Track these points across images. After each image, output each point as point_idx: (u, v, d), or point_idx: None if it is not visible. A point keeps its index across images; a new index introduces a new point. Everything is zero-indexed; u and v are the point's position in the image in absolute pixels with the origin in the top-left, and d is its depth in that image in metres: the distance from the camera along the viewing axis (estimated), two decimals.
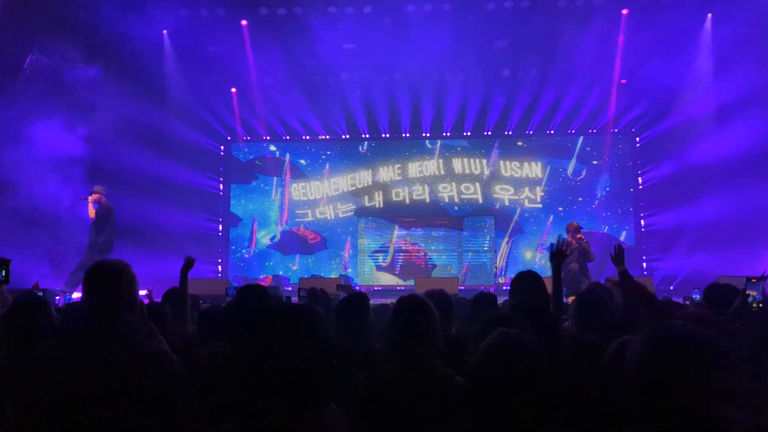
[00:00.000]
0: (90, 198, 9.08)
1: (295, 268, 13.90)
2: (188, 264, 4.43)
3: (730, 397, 1.44)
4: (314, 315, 1.56)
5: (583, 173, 13.49)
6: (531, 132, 13.58)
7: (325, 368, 1.52)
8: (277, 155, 14.31)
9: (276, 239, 14.04)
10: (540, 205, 13.50)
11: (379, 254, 13.55)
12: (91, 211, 9.05)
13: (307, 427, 1.47)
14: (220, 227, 14.22)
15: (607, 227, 13.36)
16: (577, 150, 13.57)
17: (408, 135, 13.91)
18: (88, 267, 2.12)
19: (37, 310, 2.79)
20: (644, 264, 13.11)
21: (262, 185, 14.26)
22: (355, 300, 3.44)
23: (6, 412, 2.08)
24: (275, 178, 14.22)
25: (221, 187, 14.37)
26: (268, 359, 1.47)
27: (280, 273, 13.86)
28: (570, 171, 13.53)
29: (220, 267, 13.99)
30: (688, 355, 1.45)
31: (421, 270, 13.27)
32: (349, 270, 13.68)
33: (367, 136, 13.98)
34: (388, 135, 13.94)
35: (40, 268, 9.04)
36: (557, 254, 3.73)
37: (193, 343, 3.25)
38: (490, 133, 13.72)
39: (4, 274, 2.40)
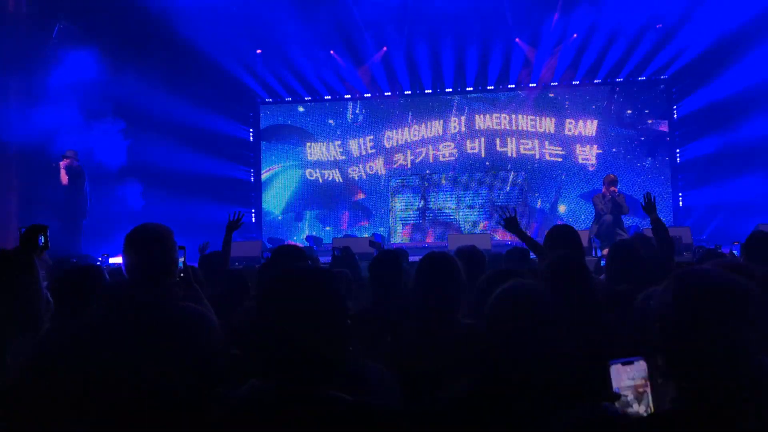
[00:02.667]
0: (61, 163, 8.92)
1: (328, 229, 14.02)
2: (233, 225, 4.36)
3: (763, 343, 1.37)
4: (327, 277, 1.58)
5: (615, 122, 13.15)
6: (568, 83, 13.24)
7: (340, 330, 1.55)
8: (305, 116, 14.28)
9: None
10: (572, 159, 13.25)
11: (410, 212, 13.55)
12: (64, 177, 8.89)
13: (325, 385, 1.51)
14: (253, 180, 14.35)
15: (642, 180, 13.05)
16: (605, 99, 13.20)
17: (448, 90, 13.68)
18: (130, 232, 2.16)
19: (94, 276, 2.83)
20: (680, 201, 12.85)
21: (293, 146, 14.29)
22: (386, 257, 3.41)
23: (55, 378, 2.15)
24: (305, 134, 14.22)
25: (251, 140, 14.47)
26: (285, 321, 1.51)
27: (314, 233, 13.99)
28: (596, 120, 13.19)
29: (254, 222, 14.21)
30: (715, 298, 1.37)
31: (453, 227, 13.25)
32: (381, 229, 13.73)
33: (399, 92, 13.82)
34: (419, 91, 13.76)
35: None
36: (648, 207, 4.04)
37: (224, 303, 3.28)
38: (513, 86, 13.43)
39: (43, 240, 2.44)
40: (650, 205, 4.03)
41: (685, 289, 1.42)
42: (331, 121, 14.19)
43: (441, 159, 13.67)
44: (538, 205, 13.31)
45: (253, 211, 14.32)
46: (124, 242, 2.11)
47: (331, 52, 12.94)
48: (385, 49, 12.98)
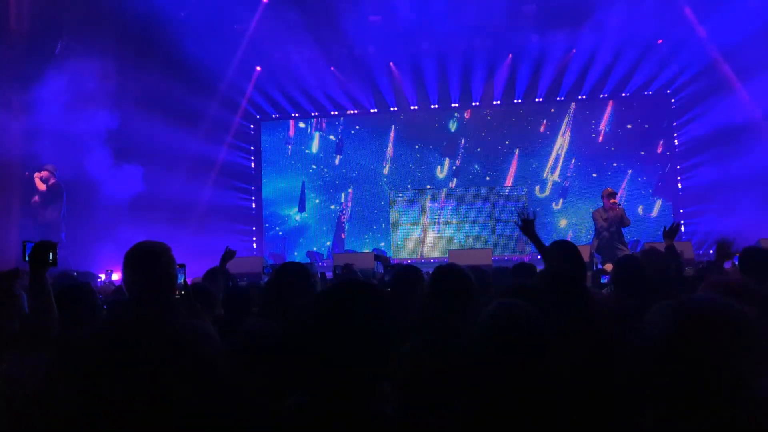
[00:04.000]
0: (38, 174, 8.77)
1: (329, 244, 14.01)
2: (228, 254, 4.49)
3: (759, 369, 1.37)
4: (384, 294, 1.58)
5: (617, 138, 13.21)
6: (562, 98, 13.31)
7: (390, 347, 1.56)
8: (307, 131, 14.33)
9: (306, 217, 14.15)
10: (573, 173, 13.30)
11: (411, 227, 13.53)
12: (41, 185, 8.73)
13: (368, 399, 1.51)
14: (254, 204, 14.37)
15: (642, 207, 13.08)
16: (608, 115, 13.26)
17: (457, 106, 13.75)
18: (130, 249, 2.14)
19: (82, 295, 2.83)
20: (682, 228, 12.85)
21: (293, 162, 14.32)
22: (410, 272, 3.39)
23: (56, 391, 2.14)
24: (305, 151, 14.25)
25: (252, 165, 14.48)
26: (340, 335, 1.51)
27: (314, 249, 13.97)
28: (602, 137, 13.24)
29: (254, 245, 14.18)
30: (710, 329, 1.37)
31: (454, 242, 13.23)
32: (382, 244, 13.72)
33: (393, 108, 13.89)
34: (416, 107, 13.82)
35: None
36: (670, 233, 4.28)
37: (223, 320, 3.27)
38: (520, 100, 13.49)
39: (51, 257, 2.44)
40: (672, 233, 4.28)
41: (683, 318, 1.43)
42: (331, 137, 14.22)
43: (442, 173, 13.69)
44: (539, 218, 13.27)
45: (254, 228, 14.30)
46: (123, 260, 2.10)
47: (332, 68, 13.02)
48: (391, 65, 13.07)
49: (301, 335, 1.60)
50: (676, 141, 13.02)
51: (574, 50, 12.30)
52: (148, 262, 2.06)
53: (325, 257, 13.69)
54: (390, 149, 13.92)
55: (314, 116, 14.23)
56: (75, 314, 2.65)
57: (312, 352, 1.54)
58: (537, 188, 13.35)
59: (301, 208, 14.14)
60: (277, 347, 2.13)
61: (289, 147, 14.35)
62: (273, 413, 1.59)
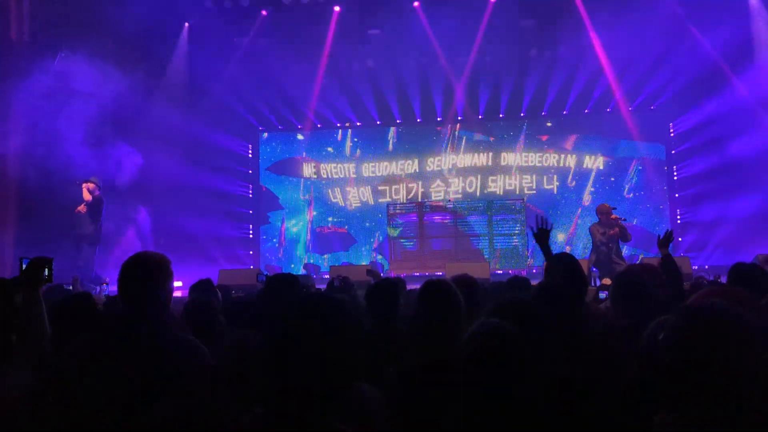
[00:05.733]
0: (86, 185, 9.00)
1: (326, 256, 13.99)
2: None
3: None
4: (346, 306, 1.55)
5: (614, 156, 13.27)
6: (564, 112, 13.39)
7: (354, 361, 1.52)
8: (304, 146, 14.36)
9: (304, 237, 14.15)
10: (572, 185, 13.34)
11: (408, 241, 13.51)
12: (87, 195, 8.96)
13: (330, 416, 1.47)
14: (250, 212, 14.36)
15: (636, 220, 13.13)
16: (604, 129, 13.34)
17: (440, 119, 13.82)
18: (126, 260, 2.13)
19: (83, 305, 2.83)
20: (680, 240, 12.84)
21: (290, 177, 14.32)
22: (383, 286, 3.38)
23: (46, 400, 2.12)
24: (303, 163, 14.25)
25: (250, 171, 14.48)
26: (295, 350, 1.47)
27: (311, 261, 13.94)
28: (600, 155, 13.29)
29: (251, 252, 14.17)
30: (724, 332, 1.39)
31: (452, 255, 13.20)
32: (380, 257, 13.68)
33: (399, 121, 13.93)
34: (420, 119, 13.85)
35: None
36: (664, 242, 3.99)
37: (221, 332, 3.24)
38: (522, 114, 13.57)
39: (47, 273, 2.42)
40: (667, 241, 4.11)
41: (695, 324, 1.43)
42: (330, 149, 14.24)
43: (440, 186, 13.72)
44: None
45: (250, 235, 14.28)
46: (119, 272, 2.08)
47: (321, 81, 13.12)
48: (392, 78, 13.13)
49: (266, 348, 1.57)
50: (674, 168, 13.09)
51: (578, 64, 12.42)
52: (145, 274, 2.04)
53: (321, 269, 13.66)
54: (387, 161, 13.93)
55: (312, 129, 14.24)
56: (74, 328, 2.60)
57: (271, 365, 1.51)
58: (534, 201, 13.38)
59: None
60: (253, 360, 2.12)
61: (287, 160, 14.37)
62: (233, 427, 1.55)
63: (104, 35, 9.92)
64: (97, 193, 9.07)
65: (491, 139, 13.74)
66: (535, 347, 1.84)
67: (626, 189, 13.20)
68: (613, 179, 13.23)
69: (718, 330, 1.40)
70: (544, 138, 13.57)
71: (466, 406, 1.78)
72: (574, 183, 13.37)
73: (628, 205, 12.99)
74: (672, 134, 13.11)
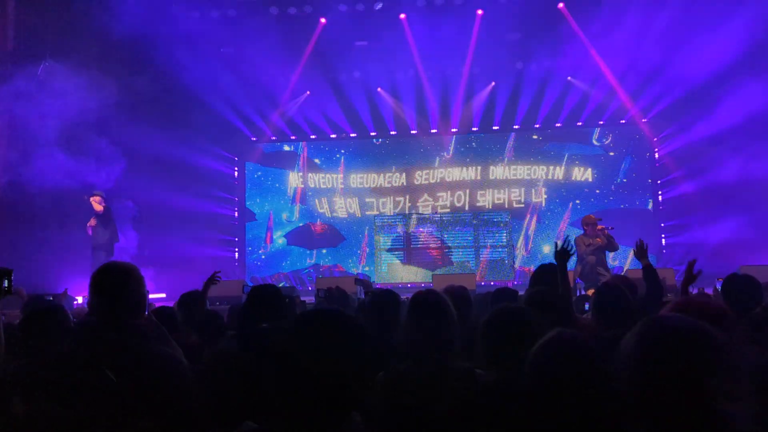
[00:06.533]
0: (92, 198, 9.51)
1: (311, 261, 13.94)
2: (211, 281, 4.46)
3: (728, 391, 1.33)
4: (354, 323, 1.49)
5: (599, 165, 13.35)
6: (539, 126, 13.47)
7: (357, 380, 1.46)
8: (291, 155, 14.32)
9: (288, 240, 14.08)
10: (557, 199, 13.41)
11: (395, 251, 13.48)
12: (98, 206, 9.45)
13: None
14: (236, 223, 14.25)
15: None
16: (593, 141, 13.43)
17: (435, 130, 13.80)
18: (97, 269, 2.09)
19: (52, 317, 2.77)
20: (664, 252, 12.93)
21: (277, 184, 14.26)
22: (384, 297, 3.35)
23: (16, 410, 2.06)
24: (289, 173, 14.21)
25: (236, 174, 14.38)
26: (297, 366, 1.42)
27: (303, 271, 13.90)
28: (586, 164, 13.38)
29: (236, 265, 14.06)
30: (678, 348, 1.36)
31: (438, 266, 13.19)
32: (366, 268, 13.64)
33: (392, 132, 13.91)
34: (414, 130, 13.82)
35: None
36: (562, 253, 3.66)
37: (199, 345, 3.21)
38: (517, 126, 13.63)
39: (7, 284, 2.36)
40: (642, 251, 4.12)
41: (649, 337, 1.41)
42: (316, 160, 14.21)
43: (427, 198, 13.73)
44: (523, 244, 13.38)
45: (236, 249, 14.17)
46: (90, 282, 2.02)
47: (307, 92, 13.11)
48: (379, 89, 13.16)
49: (263, 362, 1.52)
50: (656, 163, 13.21)
51: (568, 77, 12.57)
52: (115, 284, 1.99)
53: (307, 281, 13.60)
54: (372, 173, 13.93)
55: (299, 139, 14.21)
56: (46, 340, 2.57)
57: (270, 380, 1.47)
58: (519, 214, 13.41)
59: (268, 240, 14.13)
60: (240, 372, 2.07)
61: (274, 166, 14.31)
62: None
63: (89, 44, 9.87)
64: (104, 204, 9.55)
65: (478, 149, 13.76)
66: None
67: (612, 198, 13.26)
68: (598, 191, 13.29)
69: (671, 343, 1.37)
70: (533, 150, 13.61)
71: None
72: (563, 194, 13.40)
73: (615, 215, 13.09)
74: (657, 152, 13.22)
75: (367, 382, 1.53)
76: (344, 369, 1.42)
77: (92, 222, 9.52)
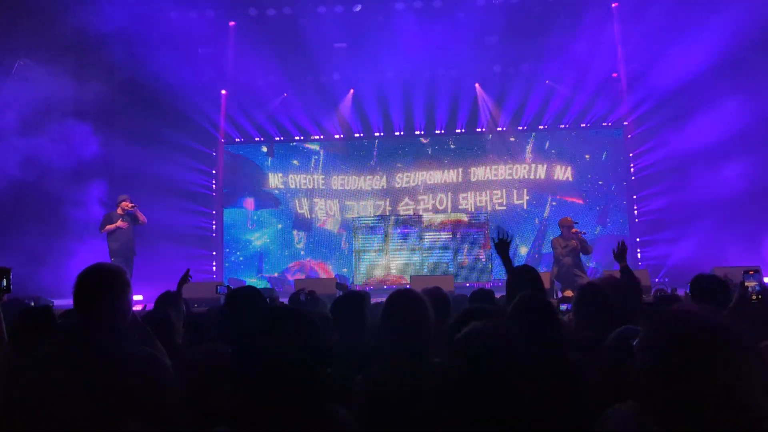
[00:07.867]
0: (126, 204, 9.30)
1: (291, 263, 13.89)
2: (185, 277, 4.48)
3: (756, 383, 1.33)
4: (312, 320, 1.52)
5: (575, 168, 13.52)
6: (524, 128, 13.59)
7: (321, 376, 1.49)
8: (269, 157, 14.25)
9: (267, 242, 14.01)
10: (534, 201, 13.55)
11: (374, 253, 13.50)
12: (128, 205, 9.28)
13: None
14: (214, 226, 14.13)
15: (599, 228, 13.39)
16: (567, 145, 13.60)
17: (421, 133, 13.84)
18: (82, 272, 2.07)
19: (41, 316, 2.77)
20: (639, 254, 13.14)
21: (256, 185, 14.19)
22: (350, 298, 3.38)
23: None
24: (269, 174, 14.15)
25: (214, 186, 14.27)
26: (262, 365, 1.44)
27: (276, 275, 13.81)
28: (561, 165, 13.54)
29: (214, 268, 13.92)
30: (703, 340, 1.35)
31: (416, 268, 13.24)
32: (345, 270, 13.64)
33: (360, 135, 13.95)
34: (382, 133, 13.88)
35: None
36: (620, 254, 4.19)
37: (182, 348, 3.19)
38: (484, 129, 13.72)
39: (5, 283, 2.35)
40: (622, 253, 4.25)
41: (673, 334, 1.39)
42: (295, 162, 14.17)
43: (406, 201, 13.77)
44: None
45: (213, 253, 14.05)
46: (74, 284, 2.01)
47: (285, 94, 13.10)
48: (352, 91, 13.18)
49: (229, 365, 1.54)
50: (632, 169, 13.41)
51: (546, 81, 12.73)
52: (100, 286, 1.98)
53: (286, 283, 13.53)
54: (353, 175, 13.94)
55: (277, 141, 14.15)
56: (34, 341, 2.55)
57: (236, 383, 1.48)
58: (498, 215, 13.52)
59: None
60: (217, 374, 2.07)
61: (252, 168, 14.23)
62: None
63: (65, 44, 9.75)
64: (131, 205, 9.35)
65: (458, 151, 13.85)
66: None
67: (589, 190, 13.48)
68: (584, 195, 13.45)
69: (695, 335, 1.36)
70: (513, 150, 13.73)
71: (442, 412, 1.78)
72: (544, 195, 13.56)
73: (595, 215, 13.30)
74: (631, 158, 13.44)
75: (326, 375, 1.54)
76: (299, 362, 1.46)
77: (122, 224, 9.17)
